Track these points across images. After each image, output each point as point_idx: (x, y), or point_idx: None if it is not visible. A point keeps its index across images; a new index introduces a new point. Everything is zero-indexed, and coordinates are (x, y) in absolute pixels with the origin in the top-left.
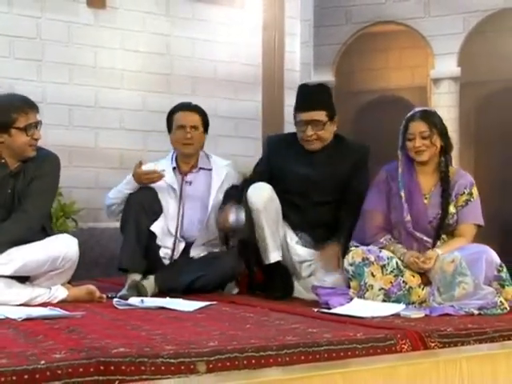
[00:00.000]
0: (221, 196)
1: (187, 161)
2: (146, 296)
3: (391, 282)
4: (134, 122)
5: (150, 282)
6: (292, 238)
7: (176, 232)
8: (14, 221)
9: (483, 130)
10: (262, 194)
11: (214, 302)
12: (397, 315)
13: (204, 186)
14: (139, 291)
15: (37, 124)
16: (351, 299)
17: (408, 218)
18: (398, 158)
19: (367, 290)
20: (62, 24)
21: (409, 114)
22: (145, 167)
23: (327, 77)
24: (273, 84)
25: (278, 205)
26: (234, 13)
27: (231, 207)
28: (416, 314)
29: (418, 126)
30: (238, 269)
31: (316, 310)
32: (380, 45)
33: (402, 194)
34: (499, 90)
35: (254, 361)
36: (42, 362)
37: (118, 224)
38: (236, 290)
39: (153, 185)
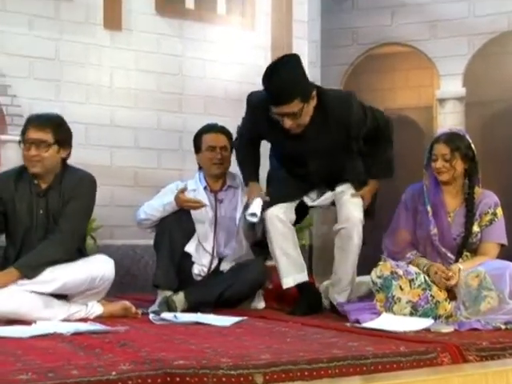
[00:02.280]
0: None
1: (217, 180)
2: (176, 311)
3: (419, 296)
4: (148, 141)
5: (179, 298)
6: (310, 199)
7: (213, 250)
8: (51, 242)
9: (489, 150)
10: (275, 223)
11: (245, 318)
12: (427, 330)
13: (233, 203)
14: (169, 307)
15: (33, 141)
16: (380, 314)
17: (434, 231)
18: (404, 176)
19: (395, 303)
20: (80, 45)
21: (436, 135)
22: (173, 185)
23: None
24: None
25: (293, 229)
26: (243, 34)
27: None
28: (446, 328)
29: (441, 149)
30: (265, 275)
31: (349, 324)
32: (386, 65)
33: (429, 208)
34: (504, 110)
35: (306, 373)
36: (113, 372)
37: (133, 241)
38: (262, 305)
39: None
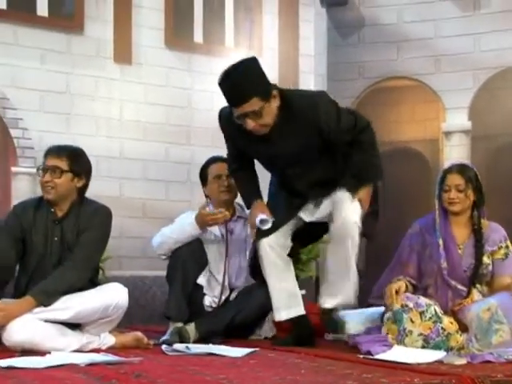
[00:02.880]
0: None
1: (227, 209)
2: (188, 342)
3: (430, 328)
4: (157, 173)
5: (190, 328)
6: (308, 215)
7: (223, 281)
8: (66, 269)
9: (493, 182)
10: (268, 252)
11: (257, 349)
12: (440, 362)
13: (243, 235)
14: (182, 337)
15: (49, 167)
16: (391, 346)
17: (445, 264)
18: (408, 209)
19: (406, 336)
20: (90, 79)
21: (447, 166)
22: (185, 215)
23: None
24: None
25: (287, 259)
26: None
27: None
28: (459, 360)
29: (455, 179)
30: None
31: (361, 356)
32: (392, 99)
33: (440, 242)
34: (508, 144)
35: None
36: None
37: (141, 272)
38: (272, 332)
39: (199, 236)
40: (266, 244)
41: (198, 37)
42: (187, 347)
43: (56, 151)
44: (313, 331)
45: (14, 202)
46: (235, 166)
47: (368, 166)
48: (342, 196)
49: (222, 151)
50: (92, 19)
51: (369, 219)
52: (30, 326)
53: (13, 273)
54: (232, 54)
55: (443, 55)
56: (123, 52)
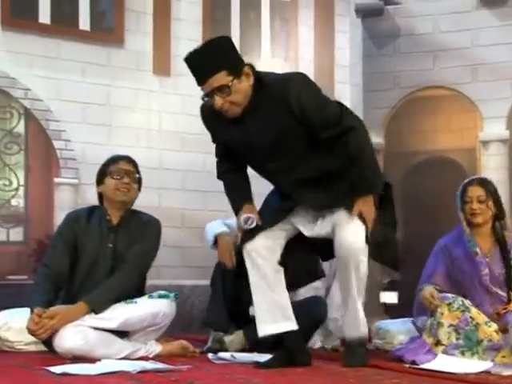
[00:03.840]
0: None
1: None
2: (228, 350)
3: (458, 318)
4: (195, 183)
5: (238, 337)
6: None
7: None
8: (118, 277)
9: None
10: (254, 258)
11: None
12: (487, 372)
13: None
14: (222, 345)
15: (125, 171)
16: (435, 355)
17: (486, 270)
18: (444, 221)
19: (438, 329)
20: (130, 91)
21: (466, 180)
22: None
23: (377, 139)
24: None
25: (277, 268)
26: None
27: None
28: (507, 371)
29: (476, 191)
30: (326, 313)
31: (407, 365)
32: (428, 108)
33: (478, 250)
34: None
35: None
36: None
37: (179, 281)
38: (318, 344)
39: None
40: (251, 248)
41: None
42: (232, 356)
43: (128, 159)
44: (306, 349)
45: (57, 212)
46: (223, 169)
47: (359, 178)
48: (339, 216)
49: None
50: (132, 32)
51: (388, 246)
52: (81, 333)
53: (66, 279)
54: (268, 66)
55: (480, 64)
56: (162, 64)
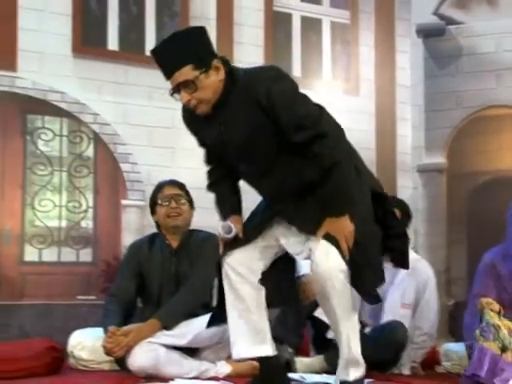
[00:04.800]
0: (403, 290)
1: None
2: (295, 371)
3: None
4: (254, 202)
5: (318, 361)
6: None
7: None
8: (183, 294)
9: None
10: (229, 274)
11: (371, 380)
12: None
13: (389, 277)
14: (291, 365)
15: (171, 196)
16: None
17: None
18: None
19: (497, 331)
20: None
21: None
22: None
23: (439, 159)
24: (386, 166)
25: (257, 287)
26: (348, 99)
27: None
28: None
29: None
30: (408, 338)
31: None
32: (492, 127)
33: None
34: None
35: None
36: None
37: None
38: (407, 371)
39: None
40: (228, 263)
41: (297, 70)
42: (302, 377)
43: (172, 183)
44: (284, 374)
45: (124, 233)
46: (212, 179)
47: (329, 195)
48: (311, 238)
49: None
50: None
51: (366, 271)
52: (153, 351)
53: (135, 306)
54: (329, 87)
55: None
56: None
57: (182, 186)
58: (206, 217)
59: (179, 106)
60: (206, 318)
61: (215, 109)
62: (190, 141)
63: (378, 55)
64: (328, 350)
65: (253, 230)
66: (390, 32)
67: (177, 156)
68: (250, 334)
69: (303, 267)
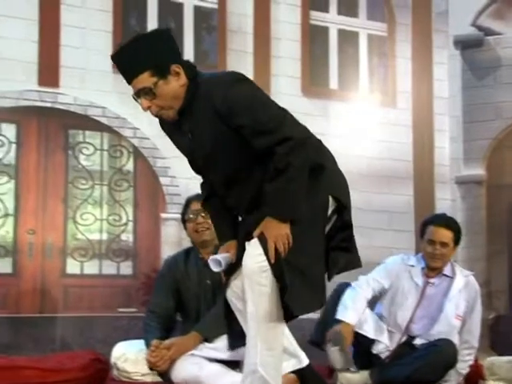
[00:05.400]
0: (456, 303)
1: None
2: None
3: None
4: None
5: (363, 377)
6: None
7: (406, 329)
8: (220, 307)
9: None
10: (232, 303)
11: None
12: None
13: (443, 290)
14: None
15: (197, 211)
16: None
17: None
18: None
19: None
20: None
21: None
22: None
23: (478, 170)
24: (424, 178)
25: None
26: (385, 112)
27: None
28: None
29: None
30: (456, 356)
31: None
32: None
33: None
34: None
35: None
36: None
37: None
38: None
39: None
40: (228, 293)
41: (334, 83)
42: None
43: (198, 197)
44: (322, 379)
45: (164, 246)
46: (205, 195)
47: (272, 194)
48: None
49: (357, 194)
50: (233, 69)
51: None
52: (197, 364)
53: (174, 321)
54: (366, 100)
55: None
56: None
57: None
58: None
59: None
60: None
61: (182, 115)
62: None
63: (416, 67)
64: (372, 365)
65: (239, 254)
66: (427, 44)
67: None
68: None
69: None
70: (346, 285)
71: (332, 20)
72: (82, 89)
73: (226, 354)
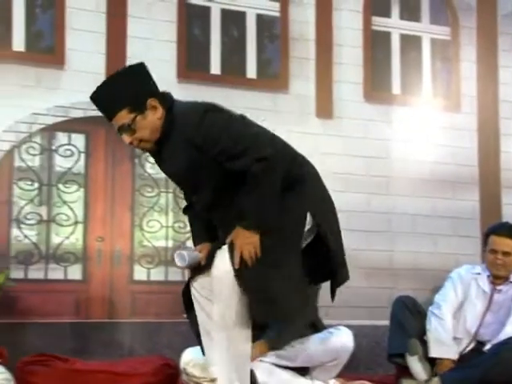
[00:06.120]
0: None
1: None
2: None
3: None
4: (359, 223)
5: (435, 382)
6: None
7: (475, 334)
8: None
9: None
10: (195, 299)
11: None
12: None
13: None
14: None
15: None
16: None
17: None
18: None
19: None
20: (295, 134)
21: None
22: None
23: None
24: (489, 183)
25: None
26: (449, 116)
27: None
28: None
29: None
30: None
31: None
32: None
33: None
34: None
35: None
36: None
37: (345, 321)
38: None
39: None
40: (194, 287)
41: (396, 89)
42: None
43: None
44: None
45: None
46: (186, 204)
47: (244, 207)
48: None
49: (422, 200)
50: (296, 78)
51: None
52: (267, 370)
53: None
54: (429, 104)
55: None
56: (325, 107)
57: None
58: None
59: (279, 126)
60: (319, 336)
61: (161, 144)
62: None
63: (481, 71)
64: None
65: (210, 257)
66: (492, 47)
67: None
68: None
69: None
70: (408, 298)
71: (394, 25)
72: None
73: (295, 362)
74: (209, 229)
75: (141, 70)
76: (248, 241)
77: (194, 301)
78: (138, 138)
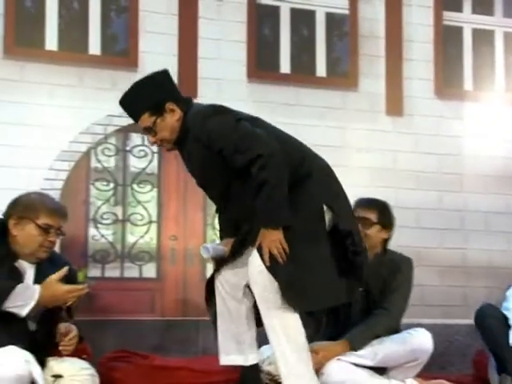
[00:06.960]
0: None
1: None
2: None
3: None
4: (430, 221)
5: None
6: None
7: None
8: (379, 322)
9: None
10: (219, 288)
11: None
12: None
13: None
14: None
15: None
16: None
17: None
18: None
19: None
20: (365, 132)
21: None
22: None
23: None
24: None
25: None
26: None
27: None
28: None
29: None
30: None
31: None
32: None
33: None
34: None
35: None
36: None
37: (417, 320)
38: None
39: None
40: (218, 281)
41: (468, 84)
42: None
43: (366, 204)
44: None
45: None
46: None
47: (258, 209)
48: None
49: (496, 197)
50: (365, 75)
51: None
52: (345, 369)
53: (321, 324)
54: (502, 99)
55: None
56: (395, 104)
57: (375, 208)
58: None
59: (349, 124)
60: (397, 337)
61: (180, 144)
62: (361, 159)
63: None
64: None
65: (234, 252)
66: None
67: (349, 174)
68: (230, 343)
69: None
70: (490, 306)
71: (466, 19)
72: (218, 99)
73: (373, 362)
74: (233, 224)
75: (162, 76)
76: (273, 238)
77: (217, 293)
78: (160, 138)
